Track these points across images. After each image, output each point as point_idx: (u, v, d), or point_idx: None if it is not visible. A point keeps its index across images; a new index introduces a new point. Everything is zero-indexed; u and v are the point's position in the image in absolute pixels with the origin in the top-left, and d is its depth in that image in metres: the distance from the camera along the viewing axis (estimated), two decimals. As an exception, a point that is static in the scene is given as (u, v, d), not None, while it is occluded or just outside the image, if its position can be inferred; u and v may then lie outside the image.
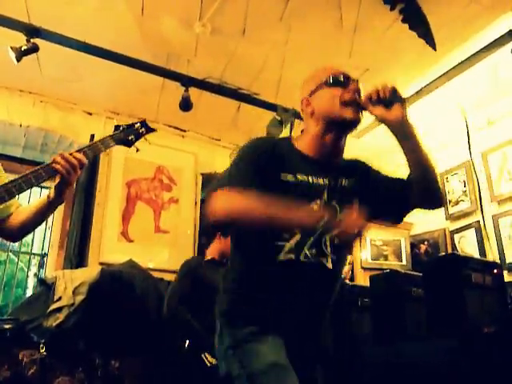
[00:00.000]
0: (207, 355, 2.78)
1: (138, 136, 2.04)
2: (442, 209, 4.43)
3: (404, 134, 1.55)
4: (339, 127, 1.61)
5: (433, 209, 1.69)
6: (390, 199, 1.68)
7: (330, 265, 1.55)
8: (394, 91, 1.53)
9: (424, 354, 2.28)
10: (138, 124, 2.05)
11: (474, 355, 2.11)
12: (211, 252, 3.23)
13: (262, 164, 1.55)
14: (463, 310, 2.20)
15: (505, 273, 3.60)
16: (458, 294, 2.24)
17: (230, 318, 1.56)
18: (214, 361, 2.74)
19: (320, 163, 1.62)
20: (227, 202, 1.46)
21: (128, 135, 1.99)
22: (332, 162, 1.65)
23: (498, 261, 3.63)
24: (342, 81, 1.63)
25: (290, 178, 1.56)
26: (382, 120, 1.55)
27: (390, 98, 1.53)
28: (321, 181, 1.59)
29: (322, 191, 1.58)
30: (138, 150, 2.04)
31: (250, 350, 1.45)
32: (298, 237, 1.51)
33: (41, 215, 1.81)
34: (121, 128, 1.97)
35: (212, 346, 2.71)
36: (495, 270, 2.43)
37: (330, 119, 1.61)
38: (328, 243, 1.55)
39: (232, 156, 4.30)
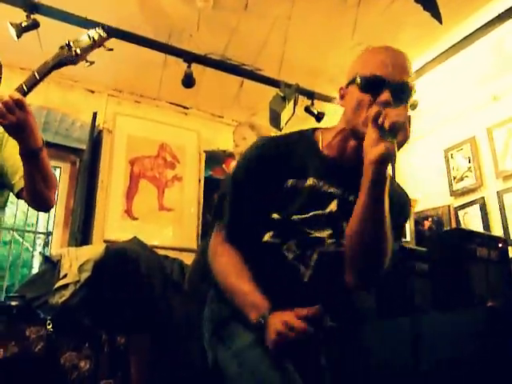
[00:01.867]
0: None
1: (88, 48, 1.75)
2: (447, 185, 4.42)
3: (375, 179, 1.22)
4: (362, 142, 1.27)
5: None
6: None
7: (306, 277, 1.37)
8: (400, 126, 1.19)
9: (429, 327, 2.29)
10: (87, 35, 1.75)
11: (477, 329, 2.12)
12: None
13: (262, 176, 1.40)
14: (468, 284, 2.21)
15: (509, 249, 3.61)
16: (463, 268, 2.24)
17: (211, 304, 1.52)
18: None
19: (338, 167, 1.40)
20: (214, 257, 1.44)
21: (70, 50, 1.71)
22: (356, 170, 1.30)
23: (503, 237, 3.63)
24: (374, 86, 1.29)
25: (294, 183, 1.39)
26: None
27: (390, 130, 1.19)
28: (332, 189, 1.39)
29: (330, 201, 1.39)
30: (90, 63, 1.74)
31: (233, 330, 1.37)
32: (286, 228, 1.38)
33: (29, 172, 1.70)
34: (64, 45, 1.71)
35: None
36: (500, 245, 2.43)
37: (352, 128, 1.36)
38: (315, 257, 1.37)
39: (236, 134, 4.27)
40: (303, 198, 1.37)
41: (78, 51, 1.71)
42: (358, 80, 1.32)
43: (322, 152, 1.44)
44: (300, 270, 1.37)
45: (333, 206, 1.38)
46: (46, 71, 1.66)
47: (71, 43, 1.70)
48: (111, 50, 1.80)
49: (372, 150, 1.19)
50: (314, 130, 1.53)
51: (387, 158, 1.18)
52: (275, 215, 1.38)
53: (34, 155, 1.65)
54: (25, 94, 1.60)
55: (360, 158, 1.24)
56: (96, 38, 1.74)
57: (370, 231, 1.27)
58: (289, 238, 1.37)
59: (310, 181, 1.38)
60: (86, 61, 1.73)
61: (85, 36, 1.74)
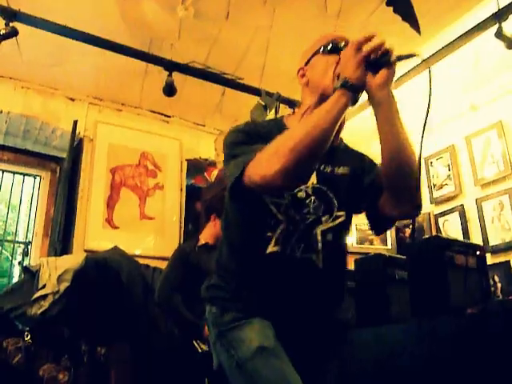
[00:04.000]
0: (199, 342, 2.78)
1: None
2: (427, 193, 4.47)
3: (382, 105, 1.30)
4: None
5: (405, 216, 1.49)
6: (367, 199, 1.47)
7: (320, 263, 1.38)
8: (387, 53, 1.25)
9: (408, 335, 2.30)
10: None
11: (456, 336, 2.14)
12: (205, 237, 3.16)
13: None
14: (446, 292, 2.22)
15: (488, 255, 3.64)
16: (442, 275, 2.25)
17: (212, 307, 1.47)
18: (205, 347, 2.74)
19: None
20: (269, 161, 1.21)
21: None
22: None
23: (482, 244, 3.67)
24: (339, 47, 1.40)
25: None
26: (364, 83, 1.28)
27: (379, 60, 1.25)
28: None
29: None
30: None
31: (235, 338, 1.37)
32: (283, 226, 1.37)
33: None
34: None
35: (202, 333, 2.76)
36: (478, 252, 2.45)
37: (322, 92, 1.41)
38: (319, 238, 1.38)
39: (217, 142, 4.28)
40: None
41: None
42: (322, 48, 1.47)
43: None
44: (313, 259, 1.38)
45: (312, 179, 1.39)
46: None
47: None
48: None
49: (373, 81, 1.26)
50: (284, 116, 1.62)
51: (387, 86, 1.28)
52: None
53: None
54: None
55: None
56: None
57: (400, 145, 1.33)
58: (289, 238, 1.37)
59: None
60: None
61: None
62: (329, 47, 1.45)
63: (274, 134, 1.31)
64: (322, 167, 1.43)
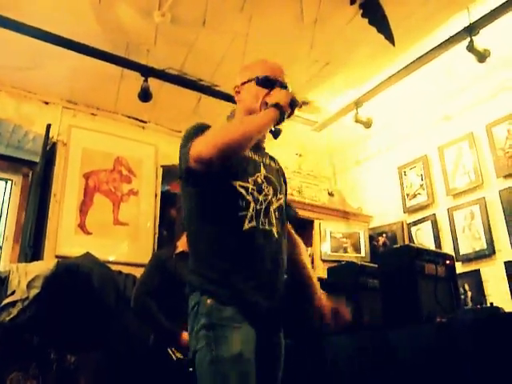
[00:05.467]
0: (174, 350, 2.75)
1: None
2: (400, 202, 4.53)
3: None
4: None
5: None
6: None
7: (276, 234, 1.66)
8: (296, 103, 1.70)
9: (379, 342, 2.32)
10: None
11: (426, 344, 2.16)
12: (182, 244, 3.12)
13: None
14: (417, 300, 2.25)
15: (459, 264, 3.71)
16: (412, 284, 2.29)
17: (209, 296, 1.53)
18: (179, 355, 2.71)
19: None
20: (209, 139, 1.51)
21: None
22: (258, 145, 1.78)
23: (453, 253, 3.72)
24: (269, 83, 1.75)
25: None
26: None
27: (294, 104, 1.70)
28: (256, 157, 1.74)
29: (259, 165, 1.73)
30: None
31: (222, 336, 1.45)
32: (253, 205, 1.62)
33: None
34: None
35: (178, 341, 2.72)
36: (448, 261, 2.49)
37: (250, 113, 1.73)
38: (273, 215, 1.68)
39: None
40: (245, 164, 1.68)
41: None
42: (257, 80, 1.77)
43: None
44: (273, 231, 1.66)
45: (262, 170, 1.73)
46: None
47: None
48: None
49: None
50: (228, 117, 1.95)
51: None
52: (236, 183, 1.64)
53: None
54: None
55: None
56: None
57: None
58: (258, 215, 1.63)
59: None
60: None
61: None
62: (262, 82, 1.76)
63: None
64: (264, 161, 1.77)
